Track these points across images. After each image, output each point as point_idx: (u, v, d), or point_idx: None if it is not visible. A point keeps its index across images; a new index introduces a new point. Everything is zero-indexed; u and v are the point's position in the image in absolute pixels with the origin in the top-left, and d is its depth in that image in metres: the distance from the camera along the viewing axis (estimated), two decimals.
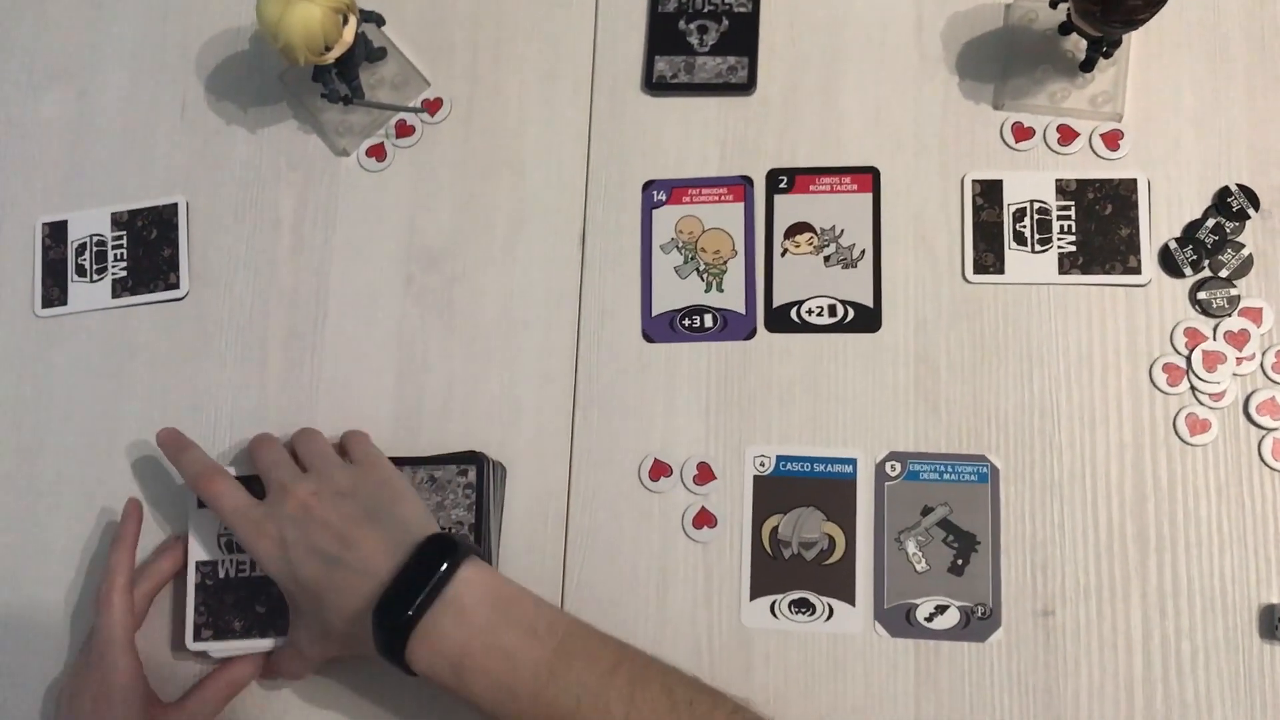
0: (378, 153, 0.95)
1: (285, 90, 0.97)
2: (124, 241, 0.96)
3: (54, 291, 0.96)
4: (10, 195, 0.99)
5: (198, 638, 0.85)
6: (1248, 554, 0.80)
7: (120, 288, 0.95)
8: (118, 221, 0.96)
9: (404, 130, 0.95)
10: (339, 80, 0.92)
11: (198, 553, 0.86)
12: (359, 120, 0.95)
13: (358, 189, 0.95)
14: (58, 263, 0.96)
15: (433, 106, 0.95)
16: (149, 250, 0.95)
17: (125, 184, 0.97)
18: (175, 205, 0.96)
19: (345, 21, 0.87)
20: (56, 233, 0.97)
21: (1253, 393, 0.83)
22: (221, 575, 0.86)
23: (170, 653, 0.88)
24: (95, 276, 0.96)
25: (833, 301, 0.88)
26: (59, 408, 0.94)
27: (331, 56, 0.88)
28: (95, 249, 0.96)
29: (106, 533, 0.91)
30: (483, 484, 0.85)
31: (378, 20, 0.94)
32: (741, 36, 0.93)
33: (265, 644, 0.84)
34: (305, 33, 0.84)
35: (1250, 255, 0.85)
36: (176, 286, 0.94)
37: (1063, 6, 0.86)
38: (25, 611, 0.91)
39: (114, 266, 0.96)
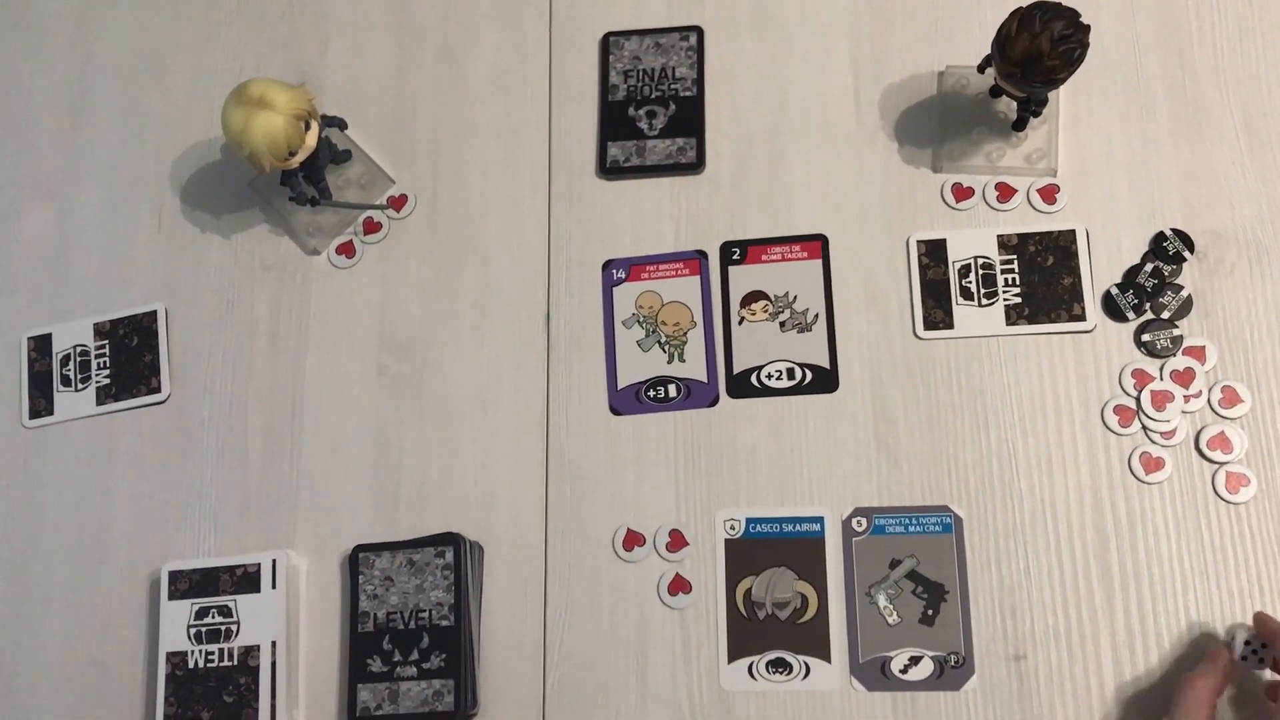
0: (347, 250, 0.99)
1: (256, 196, 1.01)
2: (106, 350, 0.99)
3: (40, 403, 0.99)
4: None
5: None
6: (1210, 587, 0.82)
7: (104, 395, 0.98)
8: (100, 331, 1.00)
9: (372, 227, 0.99)
10: (306, 183, 0.96)
11: (168, 643, 0.89)
12: (328, 220, 0.99)
13: (329, 286, 0.98)
14: (43, 374, 1.00)
15: (398, 203, 0.99)
16: (130, 357, 0.99)
17: (106, 295, 1.01)
18: (154, 312, 0.99)
19: (308, 127, 0.91)
20: (41, 345, 1.00)
21: (1202, 429, 0.85)
22: (191, 666, 0.88)
23: None
24: (80, 385, 0.99)
25: (791, 365, 0.91)
26: (49, 516, 0.96)
27: (296, 161, 0.92)
28: (79, 359, 0.99)
29: (97, 634, 0.93)
30: (460, 564, 0.87)
31: (340, 124, 0.98)
32: (688, 119, 0.97)
33: None
34: (269, 140, 0.89)
35: (1189, 296, 0.88)
36: (158, 390, 0.97)
37: (991, 71, 0.89)
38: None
39: (97, 375, 0.99)
